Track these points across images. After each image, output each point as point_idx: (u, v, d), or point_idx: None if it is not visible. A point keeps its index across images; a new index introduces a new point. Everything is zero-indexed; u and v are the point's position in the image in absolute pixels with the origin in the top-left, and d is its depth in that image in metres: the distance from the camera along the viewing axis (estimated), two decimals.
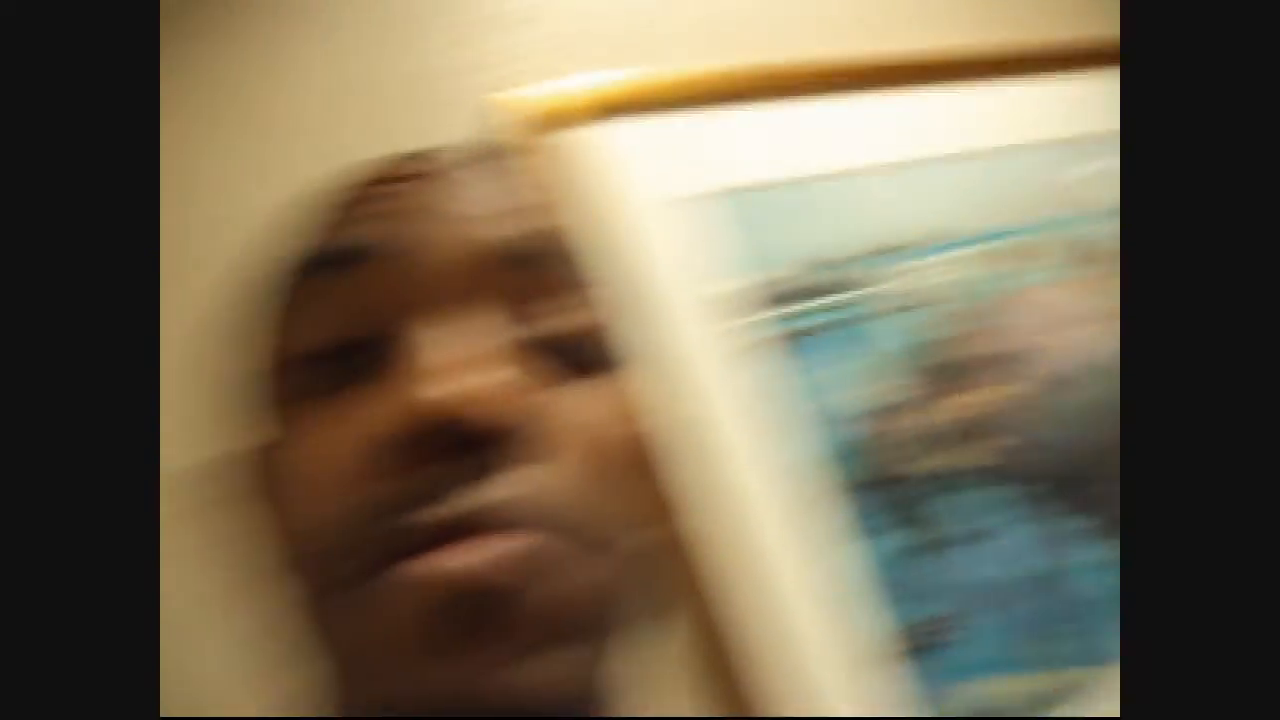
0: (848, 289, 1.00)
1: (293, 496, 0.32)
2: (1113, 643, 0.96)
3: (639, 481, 0.34)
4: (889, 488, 0.93)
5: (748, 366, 0.91)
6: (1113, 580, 0.98)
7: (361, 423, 0.31)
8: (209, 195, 0.80)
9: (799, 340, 0.95)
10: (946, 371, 1.01)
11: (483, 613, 0.28)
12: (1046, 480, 1.00)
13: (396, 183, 0.36)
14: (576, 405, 0.33)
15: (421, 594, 0.28)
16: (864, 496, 0.91)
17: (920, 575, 0.91)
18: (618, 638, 0.32)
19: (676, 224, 0.93)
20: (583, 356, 0.34)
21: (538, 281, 0.34)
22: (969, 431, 0.99)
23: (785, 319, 0.95)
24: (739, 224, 0.96)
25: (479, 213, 0.35)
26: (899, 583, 0.90)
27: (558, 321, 0.34)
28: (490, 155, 0.41)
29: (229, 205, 0.80)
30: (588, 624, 0.30)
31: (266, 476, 0.35)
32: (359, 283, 0.33)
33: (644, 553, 0.34)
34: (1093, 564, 0.99)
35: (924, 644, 0.88)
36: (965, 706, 0.88)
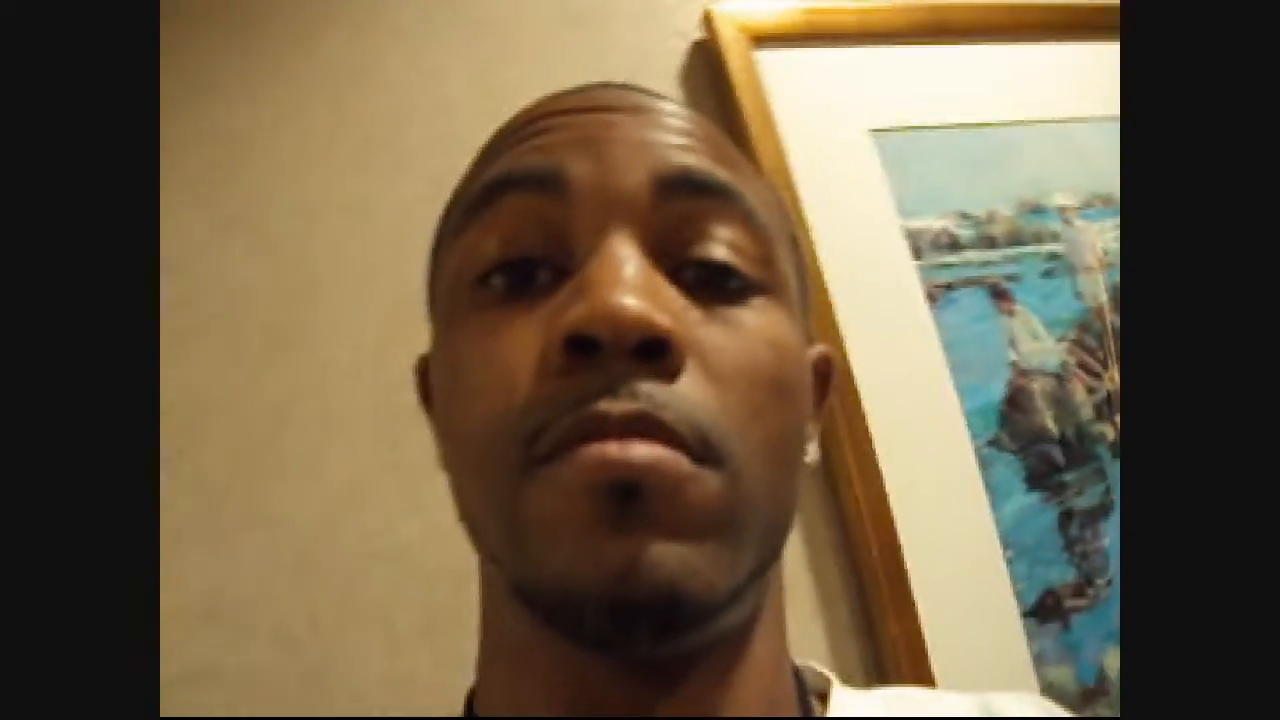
0: (999, 245, 0.98)
1: (483, 389, 0.36)
2: None
3: (776, 405, 0.37)
4: (1035, 448, 0.93)
5: (900, 310, 0.91)
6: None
7: (548, 326, 0.35)
8: (433, 105, 0.85)
9: (951, 290, 0.94)
10: (1096, 339, 0.99)
11: (635, 498, 0.32)
12: None
13: (587, 112, 0.40)
14: (727, 329, 0.37)
15: (591, 476, 0.32)
16: (1008, 454, 0.91)
17: (1065, 537, 0.91)
18: (751, 546, 0.35)
19: (845, 155, 0.93)
20: (739, 283, 0.38)
21: (708, 210, 0.38)
22: (1110, 403, 0.97)
23: (937, 269, 0.94)
24: (902, 165, 0.96)
25: (661, 142, 0.38)
26: (1043, 543, 0.90)
27: (722, 249, 0.38)
28: (676, 87, 0.41)
29: (449, 111, 0.85)
30: (715, 526, 0.33)
31: (451, 373, 0.39)
32: (548, 203, 0.37)
33: (772, 472, 0.36)
34: None
35: (1067, 606, 0.89)
36: (1103, 671, 0.88)
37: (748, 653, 0.38)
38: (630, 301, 0.33)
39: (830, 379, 0.46)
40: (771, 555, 0.38)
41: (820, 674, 0.45)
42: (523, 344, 0.35)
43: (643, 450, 0.32)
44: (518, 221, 0.37)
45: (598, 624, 0.32)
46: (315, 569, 0.72)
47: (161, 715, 0.60)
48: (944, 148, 0.99)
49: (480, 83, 0.87)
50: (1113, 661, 0.89)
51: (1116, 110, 1.06)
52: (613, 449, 0.32)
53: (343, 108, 0.84)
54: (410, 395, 0.46)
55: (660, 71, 0.92)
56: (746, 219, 0.38)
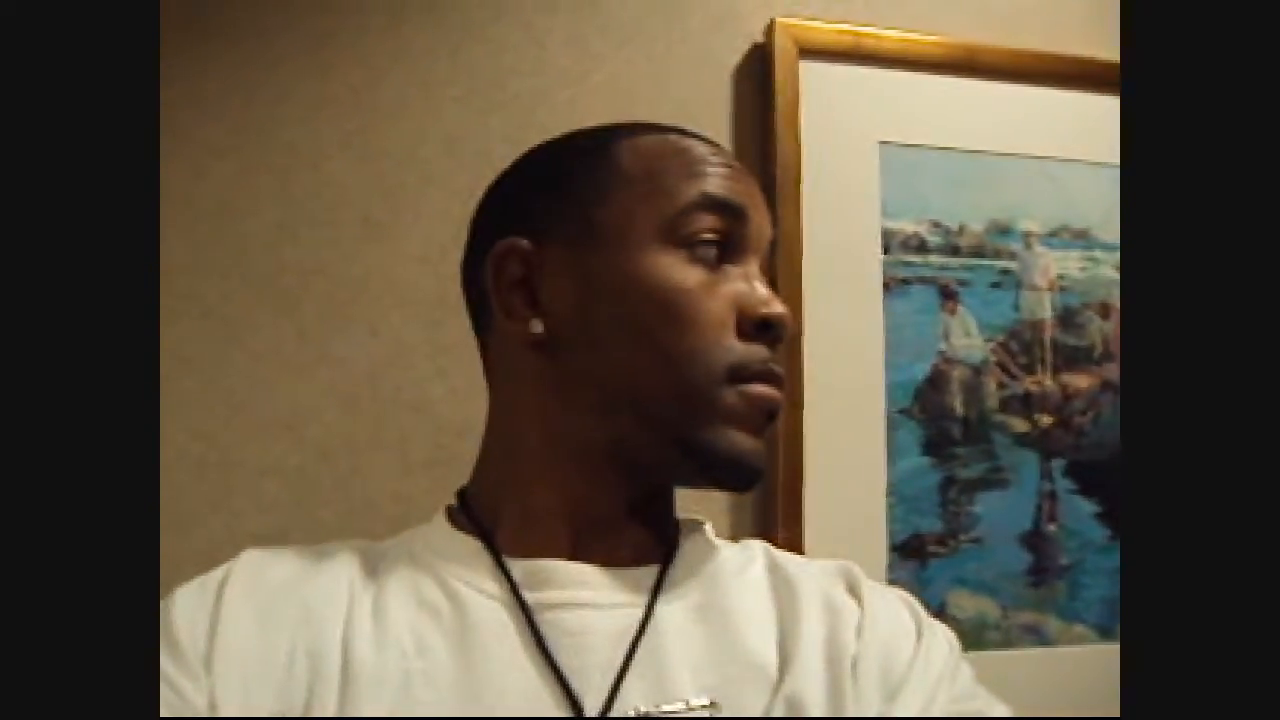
0: (961, 254, 1.15)
1: (695, 323, 0.58)
2: (1080, 605, 1.16)
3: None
4: (938, 422, 1.13)
5: (859, 291, 1.11)
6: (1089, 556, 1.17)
7: (736, 299, 0.59)
8: (530, 65, 1.07)
9: (907, 284, 1.13)
10: (1022, 346, 1.17)
11: (771, 419, 0.60)
12: (1072, 460, 1.18)
13: (742, 173, 0.63)
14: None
15: (764, 403, 0.59)
16: (913, 422, 1.12)
17: (942, 497, 1.12)
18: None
19: (851, 158, 1.12)
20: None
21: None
22: (1025, 401, 1.17)
23: (900, 264, 1.13)
24: (896, 173, 1.13)
25: (766, 213, 0.64)
26: (922, 497, 1.11)
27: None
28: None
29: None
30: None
31: (648, 289, 0.60)
32: (732, 221, 0.61)
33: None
34: (1081, 540, 1.18)
35: (928, 550, 1.11)
36: (948, 609, 1.10)
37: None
38: (787, 312, 0.60)
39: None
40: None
41: (697, 520, 0.67)
42: (720, 304, 0.59)
43: (779, 394, 0.59)
44: (715, 223, 0.60)
45: (736, 479, 0.59)
46: (357, 404, 0.95)
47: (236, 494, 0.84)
48: (937, 165, 1.14)
49: (574, 49, 1.06)
50: (954, 599, 1.11)
51: (1097, 154, 1.19)
52: (774, 392, 0.59)
53: (456, 56, 1.03)
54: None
55: (720, 63, 1.10)
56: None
